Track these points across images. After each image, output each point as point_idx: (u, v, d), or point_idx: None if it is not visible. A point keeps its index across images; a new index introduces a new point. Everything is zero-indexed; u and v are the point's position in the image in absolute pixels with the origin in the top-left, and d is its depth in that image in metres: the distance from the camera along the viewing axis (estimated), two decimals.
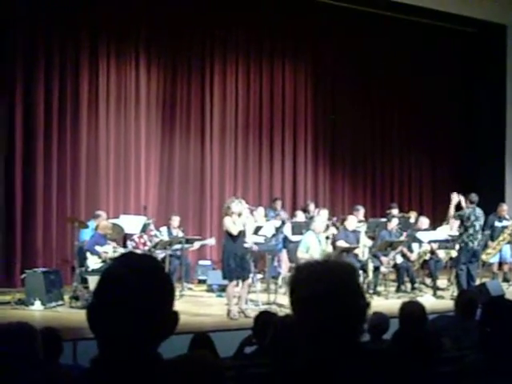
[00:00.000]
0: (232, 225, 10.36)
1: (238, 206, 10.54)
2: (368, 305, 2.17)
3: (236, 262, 10.34)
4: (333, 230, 13.28)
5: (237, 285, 10.61)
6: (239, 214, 10.44)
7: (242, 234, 10.47)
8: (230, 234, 10.43)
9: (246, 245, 10.65)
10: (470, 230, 12.14)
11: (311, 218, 13.53)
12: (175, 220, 13.69)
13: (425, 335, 5.55)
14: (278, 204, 15.36)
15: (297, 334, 2.18)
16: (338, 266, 2.19)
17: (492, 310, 3.30)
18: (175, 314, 1.96)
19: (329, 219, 13.99)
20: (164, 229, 13.51)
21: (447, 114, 18.74)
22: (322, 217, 13.42)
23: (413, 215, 15.16)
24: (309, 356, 2.12)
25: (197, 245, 13.70)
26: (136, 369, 1.85)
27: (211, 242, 13.93)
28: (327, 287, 2.09)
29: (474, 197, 12.34)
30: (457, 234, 12.79)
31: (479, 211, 12.33)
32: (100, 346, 1.89)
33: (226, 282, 10.72)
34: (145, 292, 1.87)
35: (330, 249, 12.33)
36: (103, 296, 1.90)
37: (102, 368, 1.87)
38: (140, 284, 1.87)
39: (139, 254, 2.10)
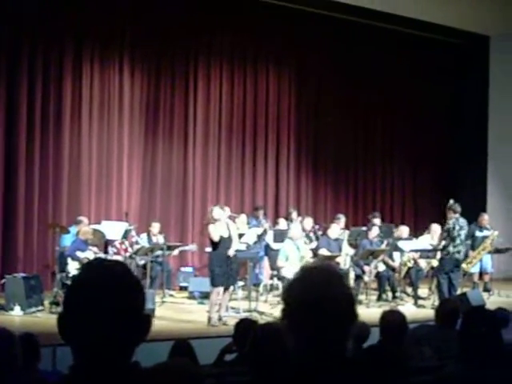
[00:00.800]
0: (212, 231, 10.35)
1: (220, 212, 10.53)
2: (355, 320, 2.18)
3: (221, 268, 10.32)
4: (313, 245, 13.32)
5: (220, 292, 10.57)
6: (220, 220, 10.44)
7: (225, 240, 10.42)
8: (212, 242, 10.44)
9: (229, 252, 10.58)
10: (457, 240, 12.14)
11: None
12: (155, 227, 13.65)
13: (403, 346, 5.57)
14: (260, 213, 15.29)
15: (287, 341, 2.18)
16: (328, 273, 2.19)
17: (472, 319, 3.30)
18: (147, 318, 1.94)
19: (312, 227, 14.03)
20: (144, 235, 13.46)
21: (430, 123, 18.80)
22: (298, 224, 13.46)
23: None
24: (298, 363, 2.12)
25: (177, 251, 13.68)
26: (113, 376, 1.83)
27: (192, 248, 13.89)
28: (318, 295, 2.09)
29: (458, 207, 12.34)
30: (437, 242, 12.82)
31: (462, 221, 12.34)
32: (74, 354, 1.88)
33: (207, 289, 10.70)
34: (115, 297, 1.86)
35: (309, 255, 12.34)
36: (73, 304, 1.89)
37: (80, 375, 1.85)
38: (109, 289, 1.86)
39: (106, 259, 2.09)
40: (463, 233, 12.25)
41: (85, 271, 1.98)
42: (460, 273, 12.59)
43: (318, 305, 2.08)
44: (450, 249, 12.20)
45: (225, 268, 10.34)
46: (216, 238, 10.34)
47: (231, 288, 11.01)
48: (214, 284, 10.48)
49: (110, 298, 1.85)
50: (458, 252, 12.18)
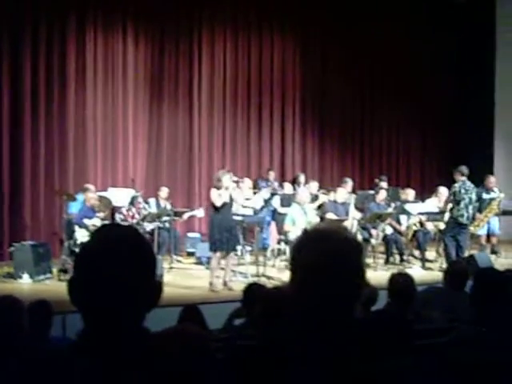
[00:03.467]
0: (217, 197, 10.32)
1: (229, 180, 10.51)
2: (364, 285, 2.15)
3: (221, 233, 10.32)
4: (324, 198, 13.30)
5: (222, 257, 10.59)
6: (227, 188, 10.41)
7: (227, 206, 10.43)
8: (214, 206, 10.43)
9: (235, 217, 10.61)
10: (461, 204, 12.10)
11: None
12: (164, 191, 13.70)
13: (411, 308, 5.57)
14: (271, 175, 15.43)
15: (292, 303, 2.16)
16: (345, 239, 2.15)
17: (483, 281, 3.29)
18: (159, 284, 1.93)
19: (318, 190, 14.04)
20: (152, 200, 13.48)
21: (437, 85, 18.69)
22: (305, 188, 13.43)
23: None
24: (302, 325, 2.11)
25: (185, 216, 13.68)
26: (123, 341, 1.83)
27: (200, 213, 13.83)
28: (331, 257, 2.06)
29: (465, 169, 12.27)
30: (443, 205, 12.81)
31: (469, 184, 12.28)
32: (84, 319, 1.87)
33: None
34: (126, 262, 1.85)
35: (316, 219, 12.31)
36: (84, 269, 1.88)
37: (89, 341, 1.85)
38: (121, 254, 1.85)
39: (118, 224, 2.07)
40: (468, 196, 12.19)
41: (95, 236, 1.96)
42: (467, 235, 12.56)
43: (328, 271, 2.06)
44: (454, 212, 12.18)
45: (224, 233, 10.35)
46: (219, 204, 10.32)
47: (238, 253, 11.00)
48: (212, 249, 10.53)
49: (121, 263, 1.84)
50: (462, 216, 12.14)
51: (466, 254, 12.11)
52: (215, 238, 10.39)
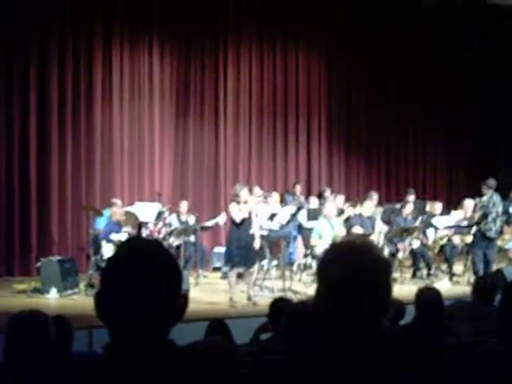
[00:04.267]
0: (236, 212, 10.24)
1: (247, 194, 10.42)
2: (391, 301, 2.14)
3: (239, 249, 10.23)
4: (350, 212, 13.21)
5: (243, 273, 10.53)
6: (245, 202, 10.34)
7: (246, 221, 10.33)
8: (233, 221, 10.38)
9: (251, 231, 10.46)
10: (489, 218, 12.00)
11: None
12: (183, 206, 13.57)
13: (439, 323, 5.53)
14: (298, 188, 15.39)
15: (317, 318, 2.15)
16: (373, 254, 2.13)
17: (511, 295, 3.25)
18: (184, 298, 1.93)
19: (344, 204, 14.00)
20: (173, 216, 13.37)
21: (464, 97, 18.61)
22: (332, 202, 13.37)
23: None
24: (326, 341, 2.09)
25: (209, 224, 13.55)
26: (149, 354, 1.83)
27: (222, 218, 13.54)
28: (358, 273, 2.04)
29: (492, 182, 12.17)
30: (470, 215, 12.72)
31: (496, 197, 12.19)
32: (110, 333, 1.87)
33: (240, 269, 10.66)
34: (151, 275, 1.85)
35: (343, 233, 12.25)
36: (110, 282, 1.88)
37: (115, 354, 1.85)
38: (146, 268, 1.86)
39: (144, 238, 2.08)
40: (495, 210, 12.09)
41: (121, 250, 1.97)
42: (495, 249, 12.47)
43: (355, 286, 2.04)
44: (482, 226, 12.07)
45: (242, 250, 10.24)
46: (238, 219, 10.24)
47: (265, 268, 10.93)
48: (229, 265, 10.44)
49: (145, 276, 1.85)
50: (490, 229, 12.04)
51: (494, 267, 12.01)
52: (233, 254, 10.29)
